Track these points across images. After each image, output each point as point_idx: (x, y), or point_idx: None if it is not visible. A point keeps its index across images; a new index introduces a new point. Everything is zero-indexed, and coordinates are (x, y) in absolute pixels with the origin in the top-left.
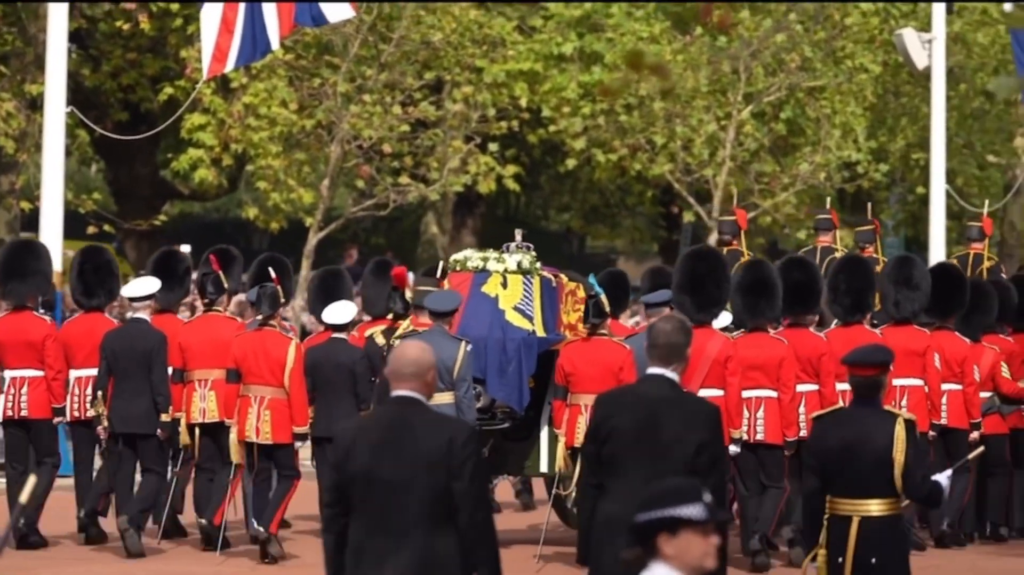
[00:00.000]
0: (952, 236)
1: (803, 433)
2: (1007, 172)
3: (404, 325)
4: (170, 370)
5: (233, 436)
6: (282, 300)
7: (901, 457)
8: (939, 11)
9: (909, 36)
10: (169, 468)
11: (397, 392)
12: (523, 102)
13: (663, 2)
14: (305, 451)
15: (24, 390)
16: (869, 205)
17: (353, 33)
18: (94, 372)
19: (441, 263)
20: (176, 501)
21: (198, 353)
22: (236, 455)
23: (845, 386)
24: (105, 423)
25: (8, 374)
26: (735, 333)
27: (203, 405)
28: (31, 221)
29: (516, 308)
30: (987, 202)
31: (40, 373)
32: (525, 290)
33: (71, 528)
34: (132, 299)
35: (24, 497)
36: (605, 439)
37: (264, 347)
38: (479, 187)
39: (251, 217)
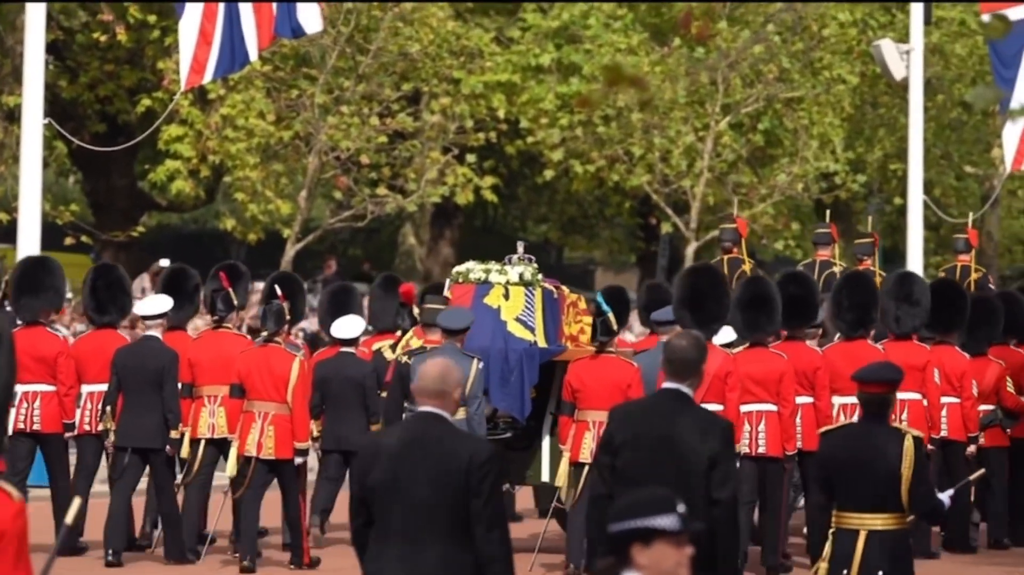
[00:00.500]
0: (930, 247)
1: (799, 445)
2: (984, 183)
3: (407, 338)
4: (179, 385)
5: (233, 451)
6: (287, 318)
7: (909, 473)
8: (917, 22)
9: (887, 47)
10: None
11: (422, 408)
12: (501, 113)
13: (641, 6)
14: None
15: (37, 404)
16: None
17: (331, 45)
18: (105, 387)
19: (448, 280)
20: (192, 515)
21: (207, 369)
22: (232, 469)
23: (842, 399)
24: (112, 438)
25: (20, 388)
26: (737, 349)
27: (212, 421)
28: (9, 232)
29: (518, 319)
30: (971, 214)
31: (52, 388)
32: (527, 301)
33: (46, 539)
34: (145, 317)
35: (70, 519)
36: (618, 450)
37: (268, 363)
38: (457, 198)
39: (229, 228)
